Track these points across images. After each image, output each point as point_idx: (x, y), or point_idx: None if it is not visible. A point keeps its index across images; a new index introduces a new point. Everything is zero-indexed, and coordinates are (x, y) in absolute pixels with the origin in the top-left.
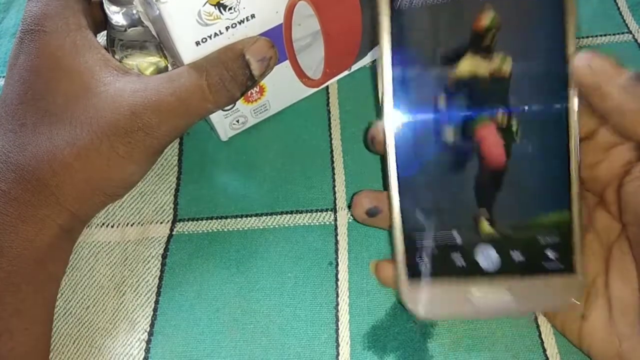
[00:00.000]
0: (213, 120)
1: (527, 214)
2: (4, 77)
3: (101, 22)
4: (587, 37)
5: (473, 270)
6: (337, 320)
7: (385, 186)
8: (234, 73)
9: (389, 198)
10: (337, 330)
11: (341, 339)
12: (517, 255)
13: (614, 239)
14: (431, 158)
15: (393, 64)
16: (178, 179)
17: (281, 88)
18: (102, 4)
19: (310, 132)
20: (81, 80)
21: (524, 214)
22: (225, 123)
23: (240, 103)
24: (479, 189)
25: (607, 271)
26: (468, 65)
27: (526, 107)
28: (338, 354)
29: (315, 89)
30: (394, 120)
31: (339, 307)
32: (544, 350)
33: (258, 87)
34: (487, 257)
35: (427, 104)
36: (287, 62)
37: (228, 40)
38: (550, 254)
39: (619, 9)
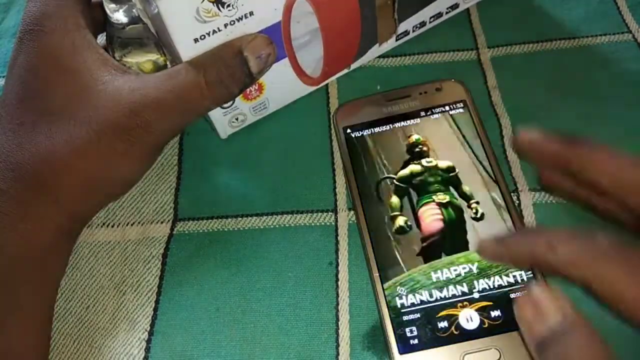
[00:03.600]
0: (212, 118)
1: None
2: (4, 77)
3: (101, 22)
4: (587, 36)
5: (460, 335)
6: (337, 320)
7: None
8: (232, 70)
9: (373, 287)
10: (337, 330)
11: (341, 339)
12: (496, 313)
13: None
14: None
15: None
16: (178, 178)
17: (280, 86)
18: (102, 3)
19: (311, 132)
20: (80, 80)
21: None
22: (224, 121)
23: (239, 101)
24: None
25: None
26: (408, 169)
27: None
28: (338, 354)
29: (315, 87)
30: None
31: (339, 307)
32: None
33: (257, 84)
34: (470, 319)
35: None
36: (285, 60)
37: (226, 37)
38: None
39: (618, 8)
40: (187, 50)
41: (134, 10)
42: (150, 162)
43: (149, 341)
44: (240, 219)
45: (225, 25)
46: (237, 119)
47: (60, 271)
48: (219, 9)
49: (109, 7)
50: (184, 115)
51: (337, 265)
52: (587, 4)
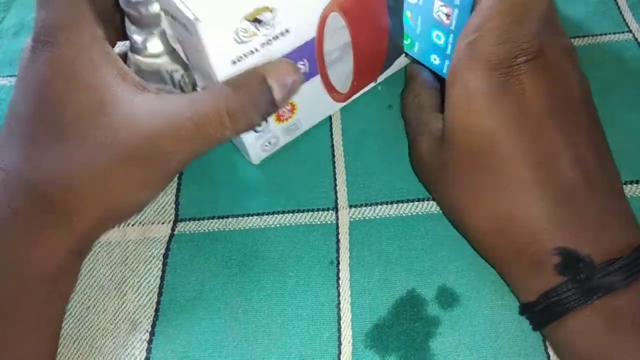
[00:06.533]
0: (245, 143)
1: None
2: (4, 76)
3: (120, 30)
4: (587, 35)
5: None
6: (339, 319)
7: None
8: (255, 99)
9: None
10: (339, 329)
11: (343, 338)
12: None
13: None
14: None
15: None
16: (179, 178)
17: (311, 104)
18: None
19: (311, 130)
20: (96, 95)
21: None
22: (257, 145)
23: (272, 122)
24: None
25: None
26: None
27: None
28: (340, 353)
29: (342, 104)
30: None
31: (341, 306)
32: (546, 348)
33: (290, 105)
34: None
35: None
36: (317, 77)
37: (262, 58)
38: None
39: (619, 7)
40: (225, 72)
41: (156, 37)
42: (165, 186)
43: (150, 342)
44: (241, 218)
45: (262, 45)
46: (269, 143)
47: (70, 289)
48: (256, 29)
49: (131, 29)
50: (202, 144)
51: (338, 264)
52: (587, 3)
